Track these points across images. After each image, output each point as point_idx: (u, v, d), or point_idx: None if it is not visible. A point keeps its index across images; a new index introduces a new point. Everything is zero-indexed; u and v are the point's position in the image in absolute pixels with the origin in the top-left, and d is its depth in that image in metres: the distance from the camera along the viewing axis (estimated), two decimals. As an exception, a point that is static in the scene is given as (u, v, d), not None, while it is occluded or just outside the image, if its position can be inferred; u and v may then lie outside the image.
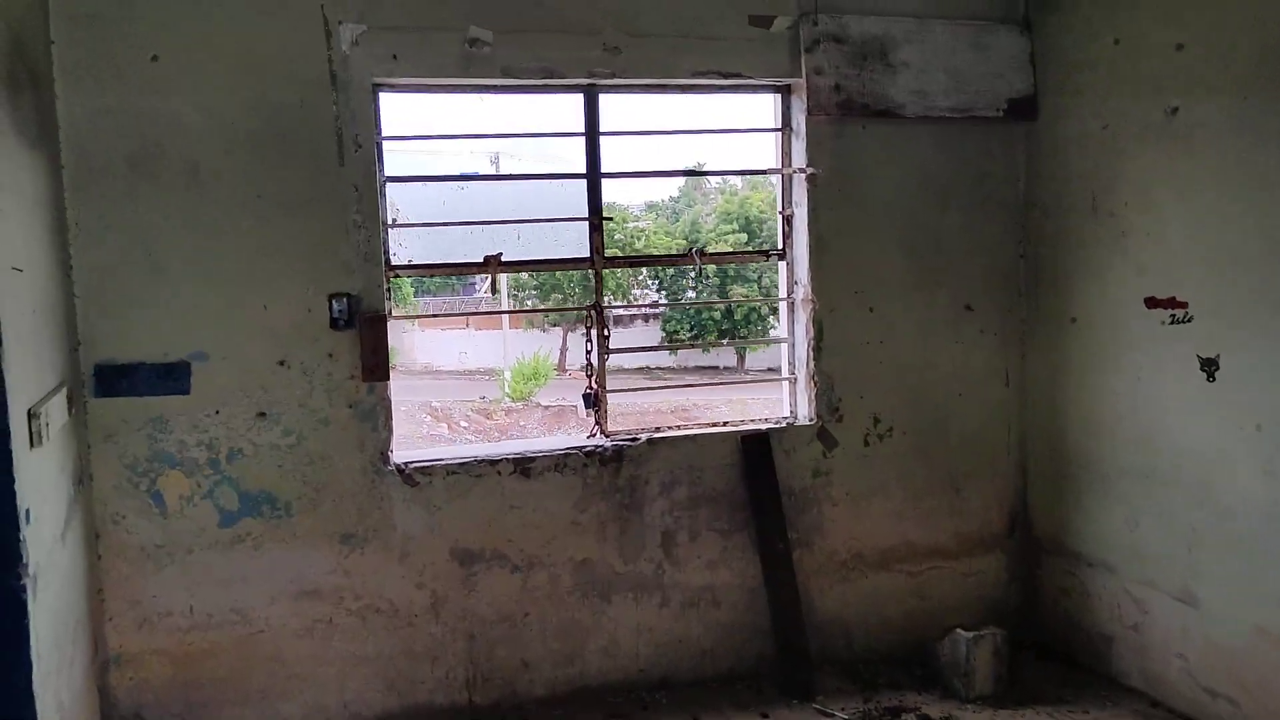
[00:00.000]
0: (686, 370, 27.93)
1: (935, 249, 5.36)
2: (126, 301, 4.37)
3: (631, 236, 26.48)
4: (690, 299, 27.39)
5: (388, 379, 4.64)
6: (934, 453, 5.43)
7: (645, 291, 28.38)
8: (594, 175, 5.00)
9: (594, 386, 5.08)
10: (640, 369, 23.72)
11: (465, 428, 20.35)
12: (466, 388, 26.20)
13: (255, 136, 4.46)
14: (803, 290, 5.25)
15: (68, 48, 4.23)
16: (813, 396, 5.25)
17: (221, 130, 4.43)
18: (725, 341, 29.88)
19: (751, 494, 5.11)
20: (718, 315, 27.51)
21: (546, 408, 22.06)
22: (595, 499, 4.96)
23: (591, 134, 4.96)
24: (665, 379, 22.91)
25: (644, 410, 17.22)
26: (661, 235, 27.58)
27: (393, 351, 4.89)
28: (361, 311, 4.60)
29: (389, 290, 4.80)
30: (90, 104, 4.28)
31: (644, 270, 28.05)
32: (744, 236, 25.89)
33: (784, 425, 5.28)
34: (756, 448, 5.11)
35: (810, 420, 5.26)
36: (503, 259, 4.90)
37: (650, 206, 30.75)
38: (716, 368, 28.23)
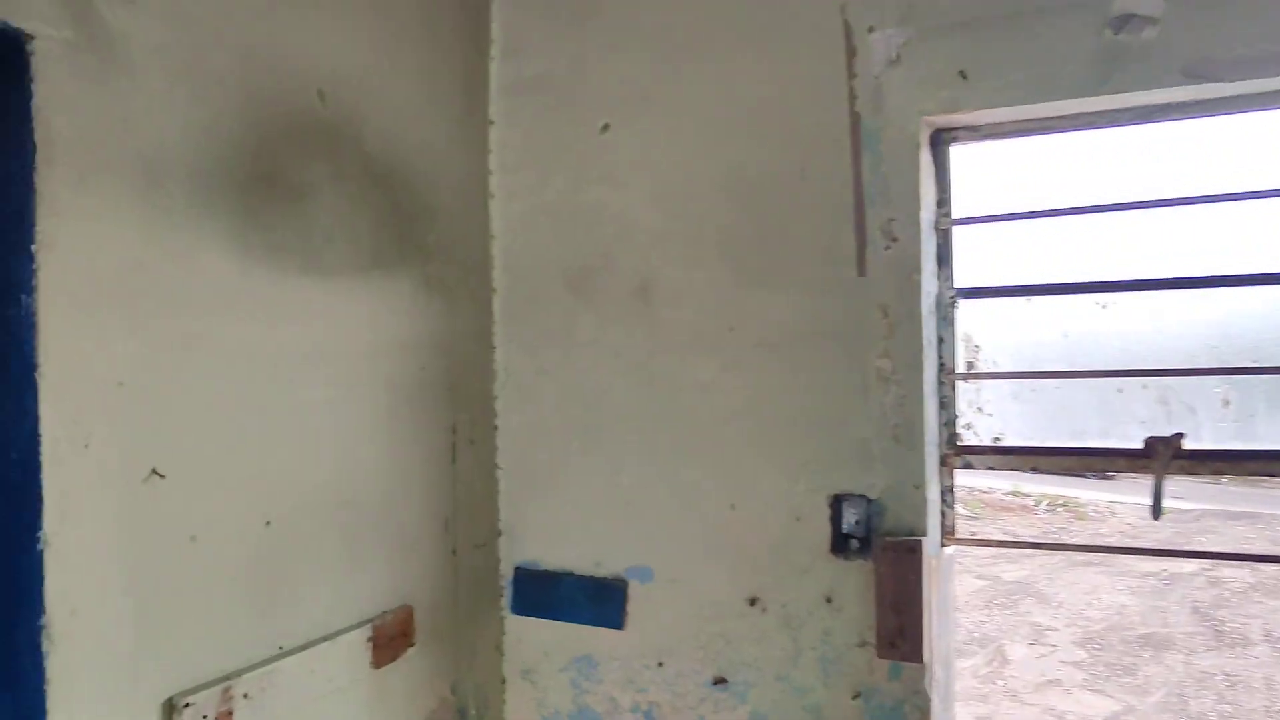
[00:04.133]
0: None
1: None
2: (553, 479, 3.02)
3: None
4: None
5: (921, 660, 2.56)
6: None
7: None
8: None
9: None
10: None
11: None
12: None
13: (728, 234, 2.77)
14: None
15: (507, 128, 3.05)
16: None
17: (681, 230, 2.84)
18: None
19: None
20: None
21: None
22: None
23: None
24: None
25: None
26: None
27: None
28: (883, 531, 2.61)
29: (947, 493, 2.70)
30: (528, 203, 3.03)
31: None
32: None
33: None
34: None
35: None
36: (1183, 446, 2.46)
37: None
38: None
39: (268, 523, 2.24)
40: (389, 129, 2.63)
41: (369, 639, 2.50)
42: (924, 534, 2.55)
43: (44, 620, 1.77)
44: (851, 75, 2.63)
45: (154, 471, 1.97)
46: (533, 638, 3.06)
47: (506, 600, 3.08)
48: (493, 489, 3.06)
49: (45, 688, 1.77)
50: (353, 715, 2.47)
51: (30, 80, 1.76)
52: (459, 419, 2.90)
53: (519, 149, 3.05)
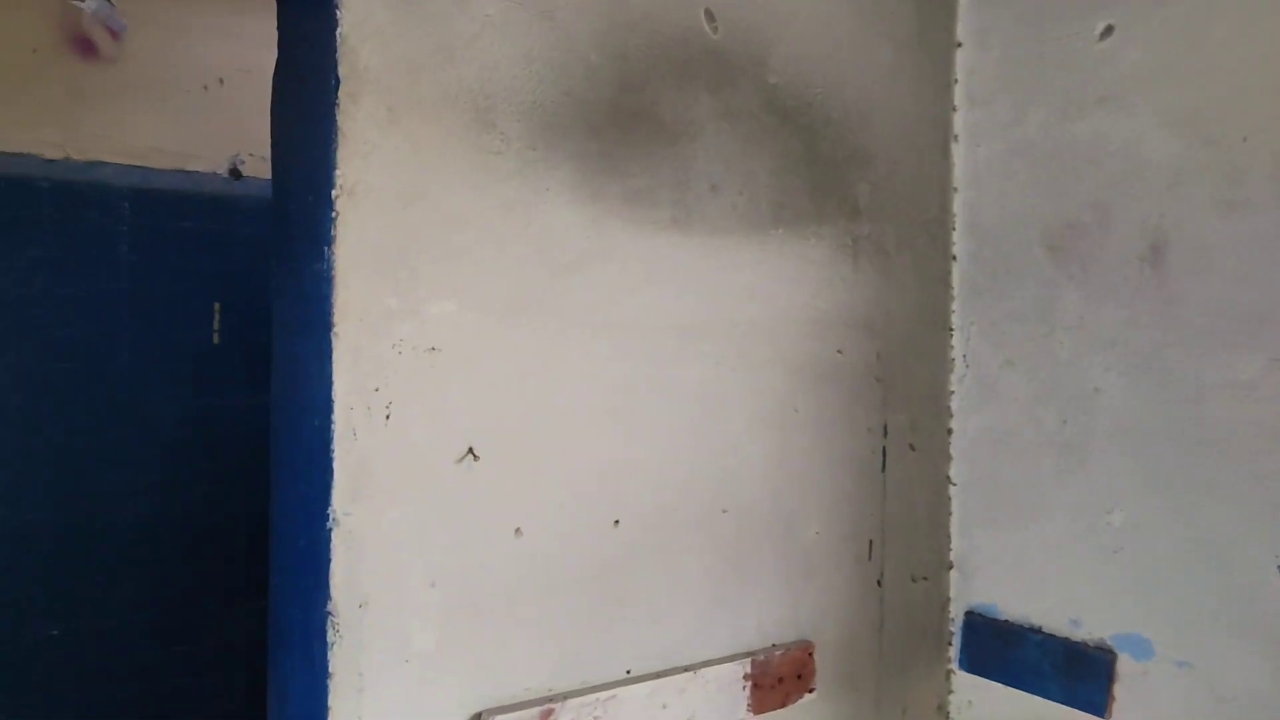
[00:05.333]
0: None
1: None
2: (1021, 504, 2.31)
3: None
4: None
5: None
6: None
7: None
8: None
9: None
10: None
11: None
12: None
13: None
14: None
15: (979, 49, 2.41)
16: None
17: (1215, 162, 1.97)
18: None
19: None
20: None
21: None
22: None
23: None
24: None
25: None
26: None
27: None
28: None
29: None
30: (1000, 144, 2.36)
31: None
32: None
33: None
34: None
35: None
36: None
37: None
38: None
39: (615, 522, 1.90)
40: (803, 55, 2.15)
41: (746, 675, 2.06)
42: None
43: (330, 607, 1.60)
44: None
45: (470, 452, 1.72)
46: (988, 704, 2.38)
47: (954, 651, 2.44)
48: (941, 510, 2.44)
49: (328, 681, 1.60)
50: (718, 766, 2.05)
51: (335, 4, 1.59)
52: (893, 418, 2.33)
53: (992, 75, 2.38)
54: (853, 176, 2.25)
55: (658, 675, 1.94)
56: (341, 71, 1.59)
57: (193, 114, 3.16)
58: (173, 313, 3.09)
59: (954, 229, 2.44)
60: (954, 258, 2.44)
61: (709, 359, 2.02)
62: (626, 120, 1.89)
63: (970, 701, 2.41)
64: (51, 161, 2.94)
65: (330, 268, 1.58)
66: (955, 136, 2.44)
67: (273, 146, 1.81)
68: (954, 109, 2.44)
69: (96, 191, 2.99)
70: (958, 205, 2.44)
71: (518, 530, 1.78)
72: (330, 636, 1.59)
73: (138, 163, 3.08)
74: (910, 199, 2.36)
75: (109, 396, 3.01)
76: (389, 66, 1.63)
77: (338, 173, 1.59)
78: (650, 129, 1.93)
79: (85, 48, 3.02)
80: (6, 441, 2.86)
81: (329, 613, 1.59)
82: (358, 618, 1.61)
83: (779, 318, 2.12)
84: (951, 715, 2.45)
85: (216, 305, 3.18)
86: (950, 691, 2.45)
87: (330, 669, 1.59)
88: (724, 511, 2.05)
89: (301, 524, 1.65)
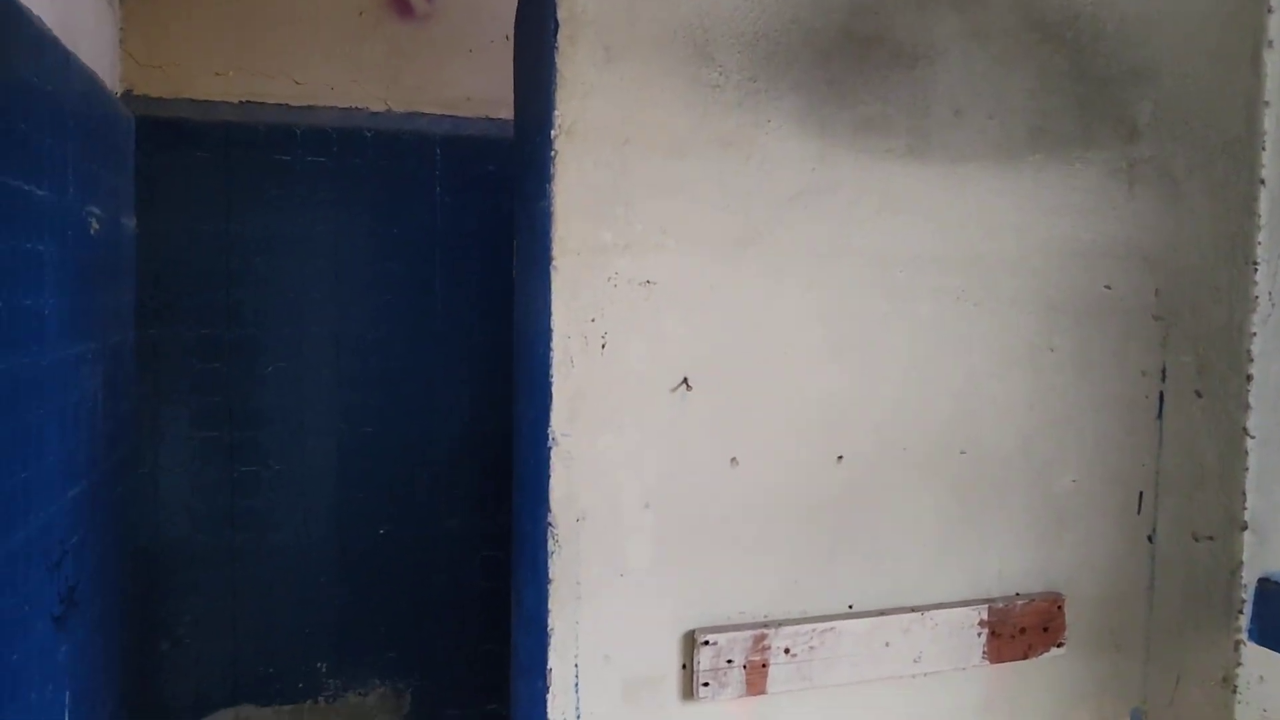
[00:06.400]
0: None
1: None
2: (1332, 466, 2.01)
3: None
4: None
5: None
6: None
7: None
8: None
9: None
10: None
11: None
12: None
13: None
14: None
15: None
16: None
17: None
18: None
19: None
20: None
21: None
22: None
23: None
24: None
25: None
26: None
27: None
28: None
29: None
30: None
31: None
32: None
33: None
34: None
35: None
36: None
37: None
38: None
39: (839, 458, 1.88)
40: (1069, -38, 1.96)
41: (982, 622, 1.98)
42: None
43: (549, 519, 1.73)
44: None
45: (684, 382, 1.77)
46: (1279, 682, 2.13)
47: (1245, 620, 2.19)
48: (1234, 464, 2.17)
49: (548, 587, 1.73)
50: (946, 713, 1.99)
51: (554, -46, 1.67)
52: (1175, 360, 2.10)
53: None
54: (1130, 95, 2.03)
55: (881, 613, 1.92)
56: (560, 15, 1.67)
57: (496, 63, 3.40)
58: (480, 249, 3.39)
59: (1263, 149, 2.13)
60: (1262, 182, 2.14)
61: (947, 294, 1.93)
62: (857, 46, 1.83)
63: (1261, 677, 2.16)
64: (376, 114, 3.30)
65: (550, 204, 1.69)
66: (1269, 42, 2.12)
67: (514, 93, 1.94)
68: (1269, 10, 2.12)
69: (413, 140, 3.32)
70: (1269, 121, 2.13)
71: (733, 460, 1.81)
72: (550, 546, 1.73)
73: (449, 112, 3.38)
74: (1206, 117, 2.09)
75: (426, 326, 3.36)
76: (606, 7, 1.69)
77: (556, 113, 1.68)
78: (885, 53, 1.85)
79: (403, 8, 3.33)
80: (345, 364, 3.29)
81: (549, 524, 1.72)
82: (575, 531, 1.73)
83: (1032, 250, 1.98)
84: (1239, 689, 2.20)
85: (515, 242, 3.44)
86: (1238, 664, 2.20)
87: (550, 576, 1.73)
88: (961, 453, 1.96)
89: (530, 443, 1.79)
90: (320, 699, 3.33)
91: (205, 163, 3.13)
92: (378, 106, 3.32)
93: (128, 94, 3.03)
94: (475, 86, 3.41)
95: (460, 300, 3.42)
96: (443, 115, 3.39)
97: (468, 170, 3.39)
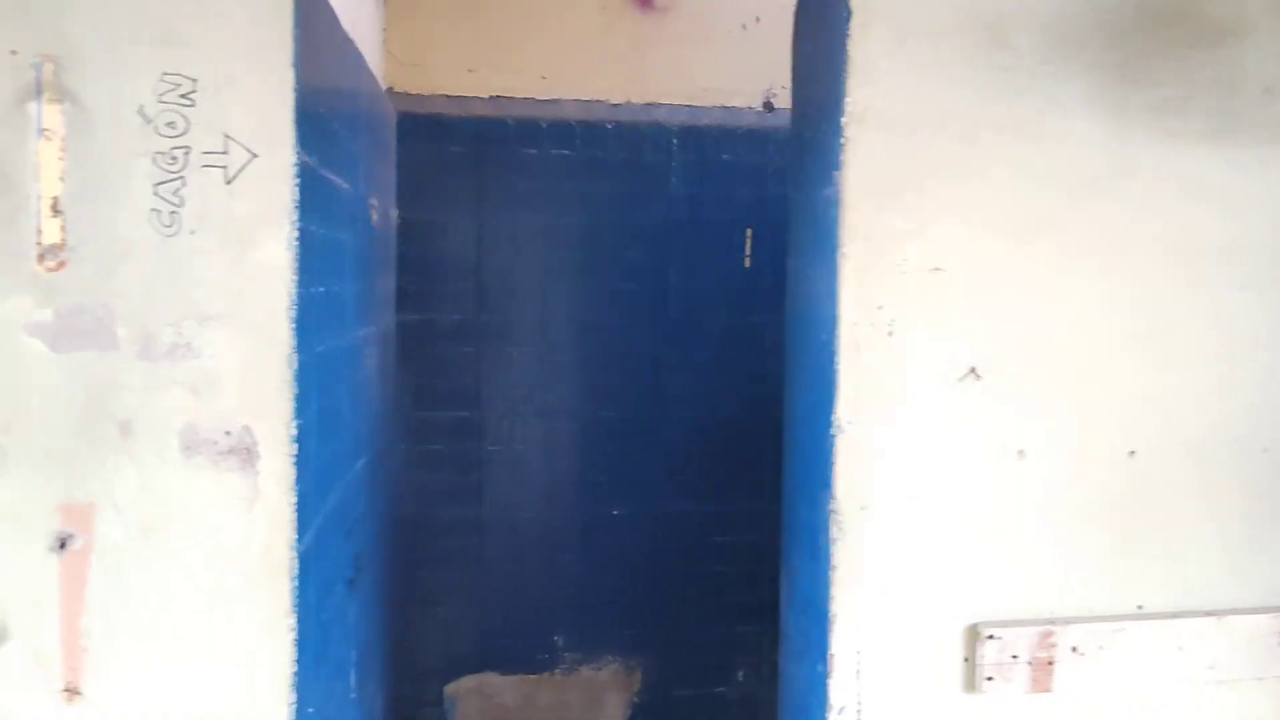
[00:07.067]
0: None
1: None
2: None
3: None
4: None
5: None
6: None
7: None
8: None
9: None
10: None
11: None
12: None
13: None
14: None
15: None
16: None
17: None
18: None
19: None
20: None
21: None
22: None
23: None
24: None
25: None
26: None
27: None
28: None
29: None
30: None
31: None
32: None
33: None
34: None
35: None
36: None
37: None
38: None
39: (1131, 453, 1.80)
40: (1400, -79, 1.80)
41: (1285, 632, 1.86)
42: None
43: (833, 506, 1.73)
44: None
45: (972, 371, 1.75)
46: None
47: None
48: None
49: (830, 573, 1.74)
50: (1244, 722, 1.89)
51: (848, -58, 1.66)
52: None
53: None
54: None
55: (1174, 615, 1.83)
56: (853, 4, 1.67)
57: (732, 53, 3.43)
58: (713, 238, 3.43)
59: None
60: None
61: (1257, 285, 1.82)
62: (1153, 23, 1.75)
63: None
64: (616, 105, 3.38)
65: (839, 191, 1.69)
66: None
67: (793, 80, 1.95)
68: None
69: (651, 131, 3.39)
70: None
71: (1020, 452, 1.77)
72: (834, 533, 1.74)
73: (686, 102, 3.43)
74: None
75: (663, 313, 3.43)
76: (900, -7, 1.68)
77: (847, 100, 1.68)
78: (1183, 31, 1.76)
79: (644, 2, 3.41)
80: (586, 349, 3.40)
81: (832, 510, 1.73)
82: (858, 519, 1.73)
83: (1351, 235, 1.84)
84: None
85: (749, 231, 3.47)
86: None
87: (833, 562, 1.74)
88: (1264, 451, 1.85)
89: (809, 430, 1.80)
90: (556, 671, 3.47)
91: (458, 156, 3.30)
92: (618, 99, 3.40)
93: (389, 90, 3.22)
94: (712, 77, 3.44)
95: (694, 289, 3.47)
96: (680, 105, 3.44)
97: (704, 160, 3.44)
